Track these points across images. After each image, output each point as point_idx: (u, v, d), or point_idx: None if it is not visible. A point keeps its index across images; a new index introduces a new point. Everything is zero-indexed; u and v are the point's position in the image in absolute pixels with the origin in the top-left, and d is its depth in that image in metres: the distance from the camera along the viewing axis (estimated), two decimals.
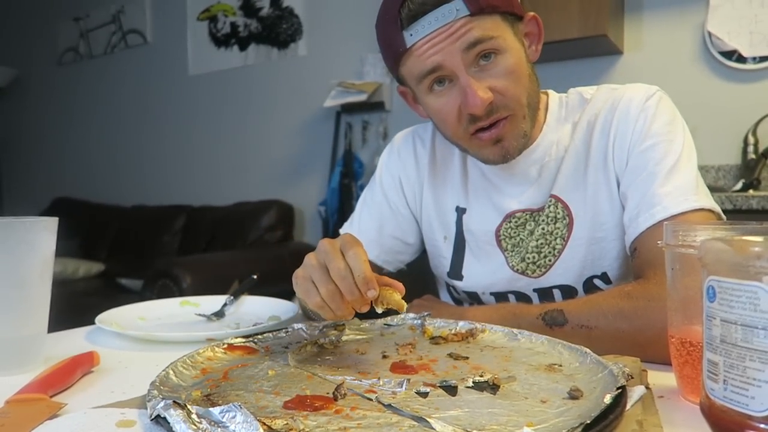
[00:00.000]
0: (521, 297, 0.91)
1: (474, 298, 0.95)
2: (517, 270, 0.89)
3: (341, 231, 1.04)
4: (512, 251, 0.90)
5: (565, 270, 0.87)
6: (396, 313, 0.65)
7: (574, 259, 0.86)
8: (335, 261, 0.61)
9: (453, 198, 0.96)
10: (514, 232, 0.90)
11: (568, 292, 0.88)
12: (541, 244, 0.87)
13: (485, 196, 0.93)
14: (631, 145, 0.82)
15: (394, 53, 0.81)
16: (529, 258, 0.88)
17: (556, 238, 0.87)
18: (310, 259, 0.64)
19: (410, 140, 1.02)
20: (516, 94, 0.79)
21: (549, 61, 2.42)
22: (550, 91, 0.93)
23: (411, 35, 0.77)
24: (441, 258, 0.98)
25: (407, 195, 1.01)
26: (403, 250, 1.02)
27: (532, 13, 0.84)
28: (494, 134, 0.80)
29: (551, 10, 2.09)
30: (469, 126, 0.80)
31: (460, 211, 0.95)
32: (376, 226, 1.01)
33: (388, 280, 0.64)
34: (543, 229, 0.87)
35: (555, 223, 0.86)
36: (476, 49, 0.76)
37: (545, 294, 0.89)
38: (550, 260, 0.87)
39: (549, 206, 0.87)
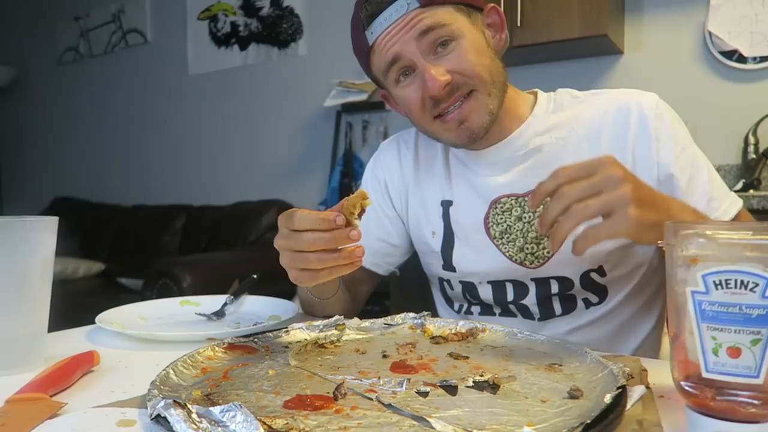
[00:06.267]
0: (518, 285, 0.91)
1: (470, 289, 0.95)
2: (516, 260, 0.89)
3: None
4: (501, 239, 0.90)
5: (563, 263, 0.87)
6: (396, 312, 0.65)
7: (572, 253, 0.86)
8: (293, 238, 0.65)
9: (438, 192, 0.97)
10: (501, 218, 0.90)
11: (564, 283, 0.88)
12: (540, 235, 0.87)
13: (469, 186, 0.94)
14: (661, 149, 0.83)
15: (362, 54, 0.88)
16: (527, 249, 0.89)
17: (556, 231, 0.86)
18: (282, 247, 0.68)
19: (394, 144, 1.05)
20: (476, 71, 0.82)
21: (549, 61, 2.42)
22: (538, 90, 0.95)
23: (371, 33, 0.84)
24: (432, 254, 0.98)
25: (393, 197, 1.02)
26: (391, 252, 1.03)
27: (491, 5, 0.88)
28: (457, 115, 0.84)
29: (551, 10, 2.09)
30: (433, 110, 0.85)
31: (446, 204, 0.96)
32: (362, 230, 1.01)
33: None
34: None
35: None
36: (429, 36, 0.81)
37: (543, 284, 0.89)
38: (548, 252, 0.88)
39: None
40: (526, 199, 0.89)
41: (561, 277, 0.88)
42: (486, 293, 0.93)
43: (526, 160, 0.90)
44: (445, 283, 0.99)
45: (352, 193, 0.67)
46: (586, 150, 0.87)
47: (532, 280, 0.90)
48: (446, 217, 0.95)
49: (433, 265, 0.99)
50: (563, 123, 0.89)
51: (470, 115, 0.84)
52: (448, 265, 0.95)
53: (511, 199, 0.90)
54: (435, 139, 0.93)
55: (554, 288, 0.89)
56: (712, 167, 0.86)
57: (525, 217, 0.89)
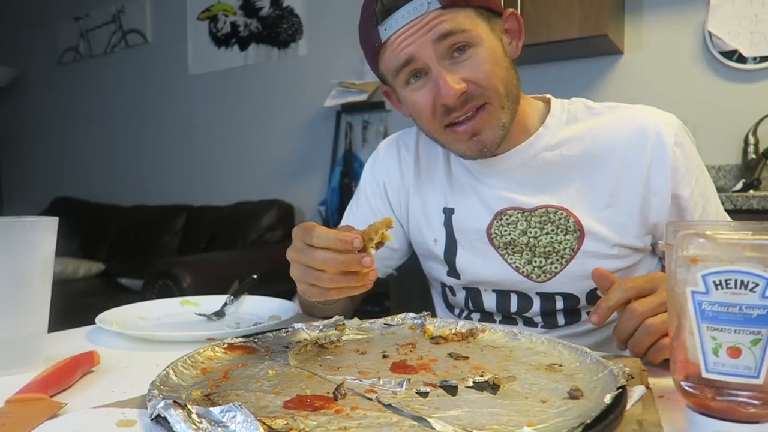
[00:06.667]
0: (523, 297, 0.90)
1: (474, 296, 0.94)
2: (523, 272, 0.88)
3: None
4: (506, 249, 0.89)
5: (570, 279, 0.86)
6: (396, 312, 0.65)
7: (581, 271, 0.85)
8: (309, 253, 0.64)
9: (441, 199, 0.95)
10: (506, 230, 0.89)
11: (570, 299, 0.88)
12: (549, 251, 0.86)
13: (473, 194, 0.91)
14: (679, 181, 0.83)
15: (372, 50, 0.84)
16: (536, 262, 0.87)
17: (565, 248, 0.86)
18: (293, 260, 0.67)
19: (394, 146, 1.02)
20: (492, 83, 0.79)
21: (549, 61, 2.42)
22: (550, 96, 0.93)
23: (385, 30, 0.79)
24: (436, 259, 0.96)
25: (392, 200, 1.00)
26: (389, 255, 1.01)
27: (511, 10, 0.85)
28: (470, 127, 0.81)
29: (552, 10, 2.09)
30: (444, 118, 0.81)
31: (448, 212, 0.94)
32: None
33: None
34: (552, 238, 0.86)
35: (565, 235, 0.85)
36: (448, 41, 0.77)
37: (547, 299, 0.89)
38: (556, 267, 0.86)
39: (560, 219, 0.86)
40: (532, 213, 0.87)
41: (567, 293, 0.87)
42: (490, 302, 0.93)
43: (534, 174, 0.87)
44: (447, 289, 0.98)
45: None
46: (597, 170, 0.85)
47: (537, 294, 0.89)
48: (448, 224, 0.93)
49: (436, 269, 0.98)
50: (576, 137, 0.87)
51: (483, 128, 0.81)
52: (453, 272, 0.94)
53: (517, 212, 0.88)
54: (442, 146, 0.91)
55: (559, 304, 0.88)
56: (715, 191, 0.89)
57: (530, 232, 0.87)
